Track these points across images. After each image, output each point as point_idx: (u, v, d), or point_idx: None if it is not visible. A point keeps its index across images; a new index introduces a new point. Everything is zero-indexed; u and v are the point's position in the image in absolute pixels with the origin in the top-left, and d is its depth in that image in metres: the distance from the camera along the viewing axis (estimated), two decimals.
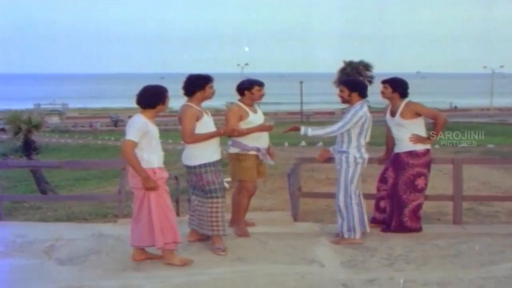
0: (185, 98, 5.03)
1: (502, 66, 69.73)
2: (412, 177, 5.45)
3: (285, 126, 5.57)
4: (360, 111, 5.19)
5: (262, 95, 5.47)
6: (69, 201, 12.75)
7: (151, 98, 4.61)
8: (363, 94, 5.32)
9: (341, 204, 5.29)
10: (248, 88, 5.41)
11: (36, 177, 18.01)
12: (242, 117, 5.34)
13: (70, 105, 75.55)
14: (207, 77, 5.05)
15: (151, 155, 4.58)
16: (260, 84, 5.45)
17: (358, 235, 5.27)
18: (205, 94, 5.02)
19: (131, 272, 4.58)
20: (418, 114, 5.45)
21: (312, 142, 27.52)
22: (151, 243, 4.61)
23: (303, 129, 5.33)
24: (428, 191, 5.72)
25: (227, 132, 5.13)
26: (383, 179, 5.74)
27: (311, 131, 5.28)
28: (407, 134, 5.43)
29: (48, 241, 5.37)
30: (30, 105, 56.30)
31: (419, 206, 5.54)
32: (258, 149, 5.39)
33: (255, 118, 5.42)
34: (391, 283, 4.29)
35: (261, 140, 5.43)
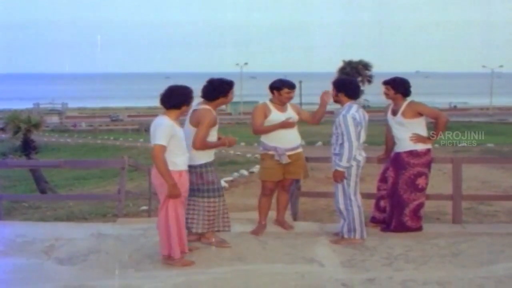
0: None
1: (501, 66, 69.82)
2: (413, 176, 5.45)
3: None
4: (348, 114, 5.08)
5: (290, 98, 5.41)
6: (69, 200, 12.76)
7: (177, 98, 4.55)
8: (350, 94, 5.24)
9: (341, 206, 5.27)
10: (278, 88, 5.38)
11: (35, 176, 18.01)
12: (265, 115, 5.35)
13: (70, 104, 75.54)
14: (231, 83, 5.04)
15: (178, 158, 4.55)
16: (290, 87, 5.39)
17: (358, 235, 5.27)
18: (226, 100, 5.05)
19: (130, 271, 4.57)
20: (419, 114, 5.44)
21: (311, 141, 27.56)
22: (168, 252, 4.62)
23: (338, 167, 5.15)
24: (428, 191, 5.71)
25: (229, 143, 5.13)
26: (383, 179, 5.73)
27: (343, 164, 5.11)
28: (408, 133, 5.43)
29: (47, 241, 5.37)
30: (29, 105, 56.26)
31: (420, 206, 5.53)
32: (275, 149, 5.38)
33: (278, 117, 5.35)
34: (390, 283, 4.29)
35: (281, 140, 5.36)
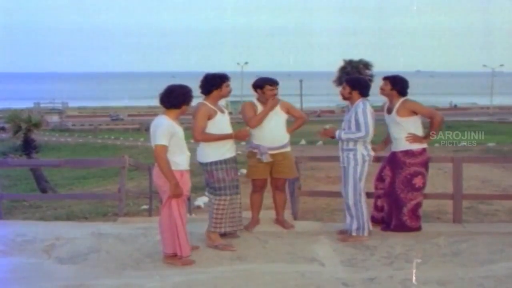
0: (202, 97, 5.10)
1: (502, 65, 69.78)
2: (409, 176, 5.45)
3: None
4: (366, 108, 5.18)
5: (273, 94, 5.41)
6: (69, 199, 12.76)
7: (177, 98, 4.57)
8: (363, 93, 5.31)
9: (351, 202, 5.28)
10: (260, 86, 5.43)
11: (36, 175, 18.00)
12: (254, 111, 5.39)
13: (70, 104, 75.59)
14: (224, 76, 5.10)
15: (179, 157, 4.57)
16: (272, 83, 5.42)
17: (366, 233, 5.28)
18: (221, 92, 5.07)
19: (130, 271, 4.58)
20: (414, 113, 5.44)
21: (311, 140, 27.54)
22: (174, 251, 4.63)
23: (337, 133, 5.29)
24: (428, 190, 5.71)
25: (238, 136, 5.15)
26: (380, 178, 5.73)
27: (344, 134, 5.23)
28: (404, 133, 5.42)
29: (48, 240, 5.37)
30: (30, 104, 56.30)
31: (418, 205, 5.53)
32: (258, 147, 5.40)
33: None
34: (391, 282, 4.28)
35: (265, 139, 5.39)
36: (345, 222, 5.47)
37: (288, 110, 5.54)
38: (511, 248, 5.08)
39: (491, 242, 5.25)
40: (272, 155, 5.41)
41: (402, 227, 5.51)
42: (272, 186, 5.68)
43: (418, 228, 5.57)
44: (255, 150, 5.43)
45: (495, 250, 5.00)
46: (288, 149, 5.57)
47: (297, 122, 5.67)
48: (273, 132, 5.43)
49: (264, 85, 5.41)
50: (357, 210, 5.26)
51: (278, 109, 5.46)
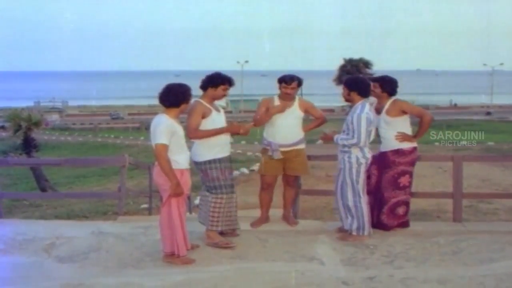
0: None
1: (502, 64, 69.86)
2: (396, 175, 5.43)
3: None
4: (362, 113, 5.09)
5: (286, 93, 5.39)
6: (69, 198, 12.80)
7: (176, 97, 4.56)
8: (362, 93, 5.23)
9: (350, 203, 5.27)
10: (279, 82, 5.45)
11: (36, 174, 18.04)
12: (268, 107, 5.41)
13: (70, 103, 75.60)
14: (226, 79, 5.06)
15: (180, 156, 4.57)
16: (286, 81, 5.40)
17: (366, 233, 5.27)
18: (215, 93, 5.04)
19: (130, 269, 4.58)
20: (403, 112, 5.43)
21: (311, 140, 27.58)
22: (172, 250, 4.63)
23: (335, 137, 5.28)
24: (428, 189, 5.71)
25: (230, 129, 5.10)
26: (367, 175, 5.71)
27: (340, 140, 5.23)
28: (393, 132, 5.41)
29: (48, 239, 5.37)
30: (30, 103, 56.33)
31: (397, 204, 5.50)
32: (269, 144, 5.41)
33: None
34: (391, 281, 4.28)
35: (276, 136, 5.42)
36: (340, 221, 5.46)
37: (307, 109, 5.55)
38: (511, 246, 5.08)
39: (491, 240, 5.25)
40: (285, 152, 5.43)
41: (380, 225, 5.51)
42: (283, 182, 5.72)
43: (393, 227, 5.53)
44: (267, 147, 5.47)
45: (495, 249, 5.00)
46: (301, 146, 5.57)
47: (316, 122, 5.69)
48: (286, 129, 5.43)
49: (280, 82, 5.43)
50: (357, 211, 5.25)
51: (295, 107, 5.45)
